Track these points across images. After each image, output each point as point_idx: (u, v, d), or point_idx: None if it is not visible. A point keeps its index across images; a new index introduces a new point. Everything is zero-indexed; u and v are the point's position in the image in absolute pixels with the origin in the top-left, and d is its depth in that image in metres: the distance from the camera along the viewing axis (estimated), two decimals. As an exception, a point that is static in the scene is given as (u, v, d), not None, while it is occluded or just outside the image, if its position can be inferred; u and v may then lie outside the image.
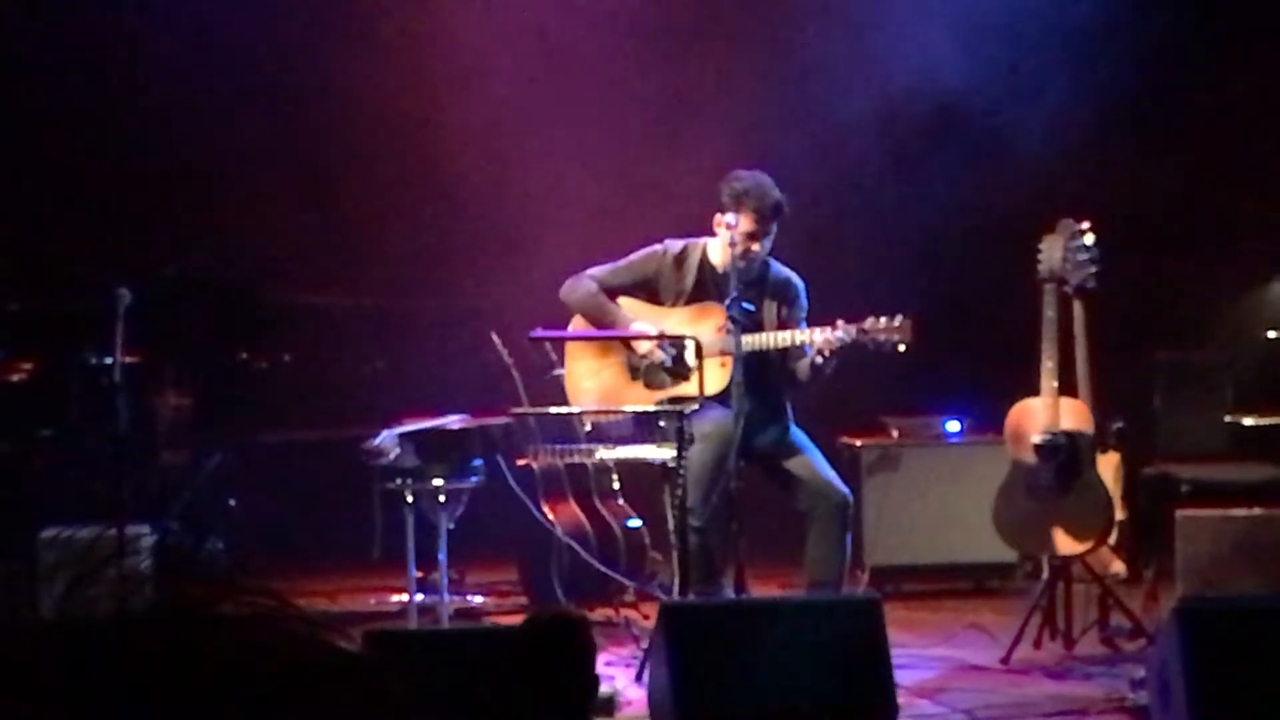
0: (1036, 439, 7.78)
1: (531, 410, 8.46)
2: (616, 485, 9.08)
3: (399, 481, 8.12)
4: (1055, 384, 7.73)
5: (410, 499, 8.09)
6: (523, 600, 9.08)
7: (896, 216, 10.78)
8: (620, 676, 7.23)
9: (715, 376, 7.51)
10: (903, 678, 6.60)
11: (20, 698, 0.99)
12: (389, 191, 10.77)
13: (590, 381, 8.01)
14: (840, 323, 7.46)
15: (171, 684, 0.99)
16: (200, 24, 10.40)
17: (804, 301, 7.82)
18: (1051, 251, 7.82)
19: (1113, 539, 8.01)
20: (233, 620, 1.03)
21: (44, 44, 10.39)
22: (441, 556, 8.10)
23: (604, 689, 6.19)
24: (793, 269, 7.87)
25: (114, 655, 1.00)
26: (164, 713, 0.98)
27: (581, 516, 8.82)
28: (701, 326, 7.64)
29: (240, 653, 1.00)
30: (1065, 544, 7.76)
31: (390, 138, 10.79)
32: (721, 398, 7.47)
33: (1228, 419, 9.35)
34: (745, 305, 7.49)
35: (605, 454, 8.41)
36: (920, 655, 7.79)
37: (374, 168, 10.76)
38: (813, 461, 7.73)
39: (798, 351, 7.59)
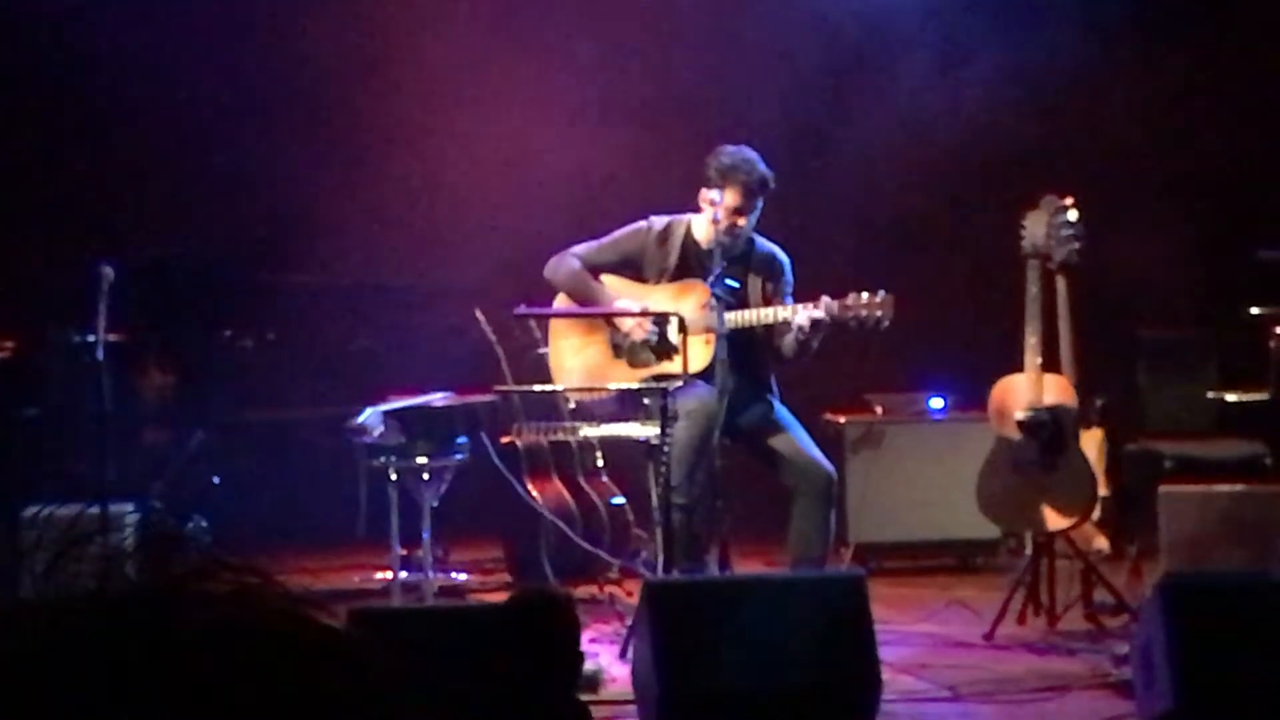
0: (1020, 415, 7.79)
1: (516, 388, 8.46)
2: (600, 463, 9.08)
3: (383, 459, 8.13)
4: (1039, 360, 7.74)
5: (394, 476, 8.09)
6: (507, 578, 9.09)
7: (878, 192, 10.77)
8: (604, 654, 7.24)
9: (699, 354, 7.51)
10: (886, 654, 6.61)
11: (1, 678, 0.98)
12: (373, 168, 10.75)
13: (574, 359, 8.01)
14: (823, 299, 7.47)
15: (152, 662, 0.98)
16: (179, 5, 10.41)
17: (789, 277, 7.81)
18: (1035, 227, 7.82)
19: (1096, 515, 8.02)
20: (214, 598, 1.02)
21: (26, 17, 10.35)
22: (425, 534, 8.12)
23: (588, 666, 6.18)
24: (776, 244, 7.87)
25: (93, 634, 1.00)
26: (144, 691, 0.98)
27: (566, 494, 8.82)
28: (685, 303, 7.63)
29: (221, 630, 1.00)
30: (1049, 520, 7.77)
31: (374, 117, 10.77)
32: (705, 375, 7.47)
33: (1211, 395, 9.36)
34: (730, 282, 7.49)
35: (589, 432, 8.42)
36: (904, 631, 7.81)
37: (358, 146, 10.74)
38: (796, 439, 7.73)
39: (782, 328, 7.59)
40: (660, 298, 7.76)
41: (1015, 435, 7.81)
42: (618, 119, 10.54)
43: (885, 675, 6.29)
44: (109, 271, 7.51)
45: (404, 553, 8.31)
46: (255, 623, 1.01)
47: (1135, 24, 10.31)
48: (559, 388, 8.13)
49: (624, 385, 7.82)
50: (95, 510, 7.18)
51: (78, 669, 0.98)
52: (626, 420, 8.03)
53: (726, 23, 10.91)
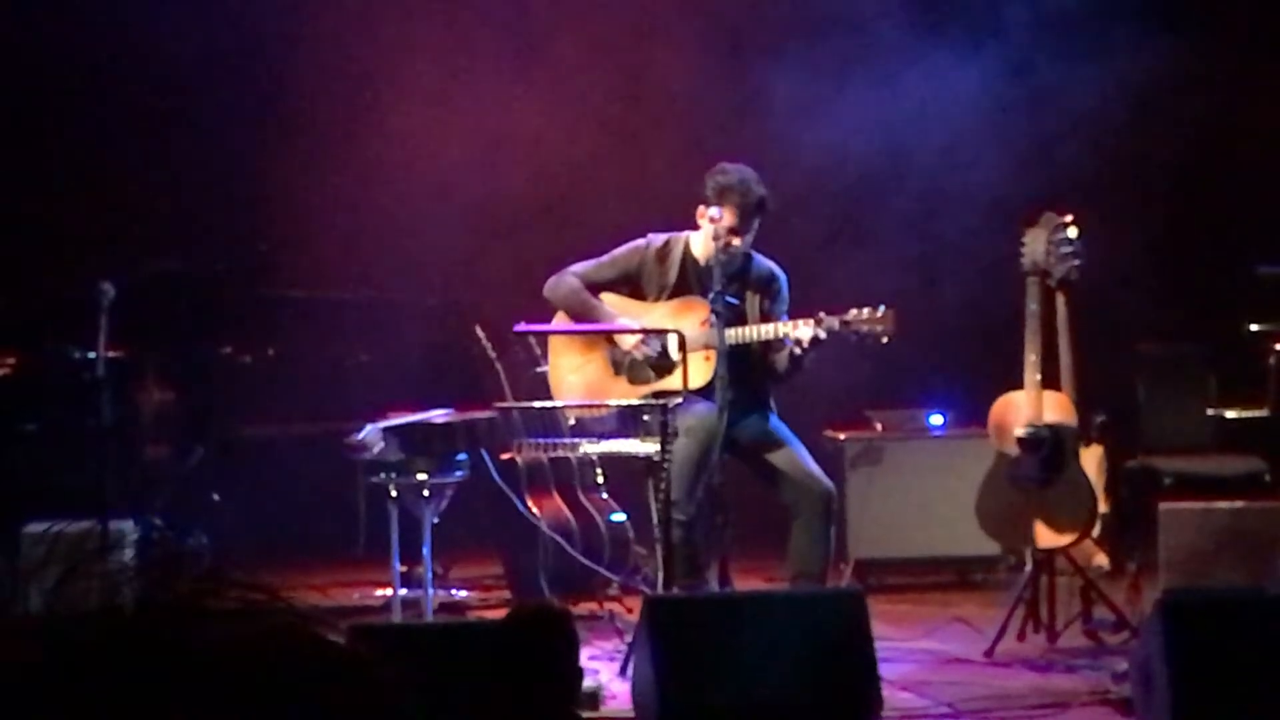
0: (1020, 432, 7.79)
1: (516, 404, 8.46)
2: (600, 479, 9.07)
3: (383, 476, 8.12)
4: (1038, 377, 7.74)
5: (394, 493, 8.09)
6: (506, 594, 9.08)
7: (877, 208, 10.76)
8: (604, 670, 7.23)
9: (699, 370, 7.51)
10: (886, 671, 6.61)
11: (13, 692, 0.99)
12: (373, 184, 10.76)
13: (574, 376, 8.01)
14: (823, 315, 7.47)
15: (164, 677, 0.99)
16: (177, 20, 10.41)
17: (785, 294, 7.82)
18: (1034, 244, 7.83)
19: (1096, 532, 8.02)
20: (224, 614, 1.03)
21: (26, 39, 10.36)
22: (425, 551, 8.11)
23: (588, 683, 6.19)
24: (775, 261, 7.88)
25: (106, 649, 1.00)
26: (157, 705, 0.98)
27: (565, 510, 8.82)
28: (685, 321, 7.64)
29: (232, 646, 1.01)
30: (1048, 537, 7.77)
31: (374, 133, 10.78)
32: (705, 391, 7.47)
33: (1210, 412, 9.36)
34: (729, 299, 7.50)
35: (589, 448, 8.41)
36: (903, 648, 7.80)
37: (358, 162, 10.74)
38: (796, 455, 7.73)
39: (778, 343, 7.60)
40: (660, 315, 7.77)
41: (1015, 452, 7.82)
42: (620, 133, 10.56)
43: (885, 692, 6.29)
44: (109, 288, 7.52)
45: (404, 569, 8.30)
46: (265, 638, 1.01)
47: (1134, 39, 10.30)
48: (559, 404, 8.13)
49: (624, 402, 7.82)
50: (95, 526, 7.19)
51: (93, 683, 0.98)
52: (626, 437, 8.03)
53: (713, 21, 10.92)
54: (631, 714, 6.31)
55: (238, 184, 10.52)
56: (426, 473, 8.13)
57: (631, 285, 7.87)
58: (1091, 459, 7.99)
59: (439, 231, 10.55)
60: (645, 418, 7.76)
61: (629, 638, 7.18)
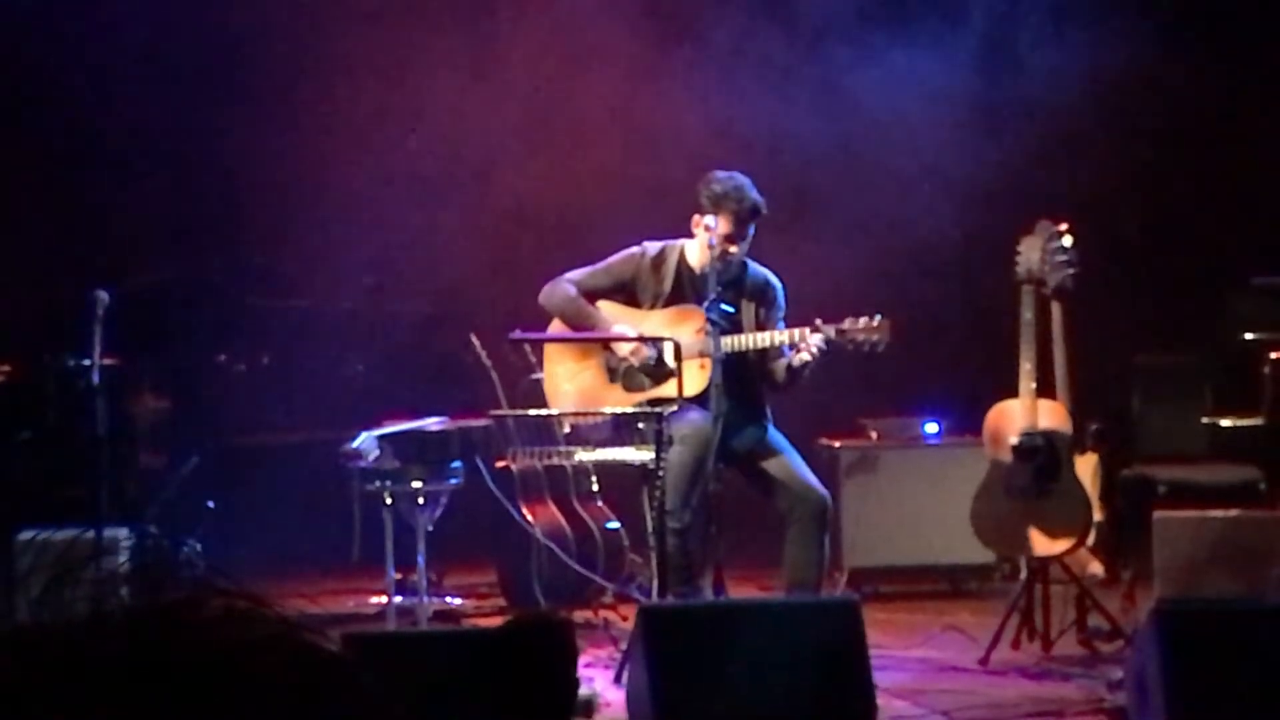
0: (1014, 440, 7.79)
1: (510, 412, 8.46)
2: (595, 487, 9.07)
3: (378, 483, 8.12)
4: (1033, 385, 7.74)
5: (389, 501, 8.09)
6: (502, 602, 9.08)
7: (873, 217, 10.77)
8: (599, 678, 7.23)
9: (694, 378, 7.51)
10: (881, 679, 6.61)
11: None
12: (369, 194, 10.76)
13: (569, 384, 8.02)
14: (819, 323, 7.48)
15: (148, 685, 0.99)
16: (175, 26, 10.42)
17: (782, 302, 7.83)
18: (1029, 253, 7.83)
19: (1090, 540, 8.01)
20: (209, 621, 1.02)
21: (17, 45, 10.36)
22: (420, 558, 8.11)
23: (583, 691, 6.19)
24: (770, 269, 7.88)
25: (89, 657, 1.00)
26: (144, 714, 0.98)
27: (560, 518, 8.82)
28: (681, 329, 7.64)
29: (217, 653, 1.00)
30: (1043, 545, 7.77)
31: (369, 141, 10.78)
32: (700, 400, 7.47)
33: (1205, 420, 9.35)
34: (725, 307, 7.50)
35: (584, 456, 8.41)
36: (898, 657, 7.80)
37: (355, 171, 10.75)
38: (791, 463, 7.73)
39: (775, 352, 7.61)
40: (655, 323, 7.77)
41: (1010, 460, 7.81)
42: (612, 146, 10.57)
43: (880, 700, 6.29)
44: (103, 296, 7.52)
45: (399, 577, 8.30)
46: (252, 646, 1.01)
47: (1131, 49, 10.31)
48: (554, 412, 8.13)
49: (619, 409, 7.82)
50: (90, 534, 7.18)
51: (74, 693, 0.98)
52: (621, 445, 8.03)
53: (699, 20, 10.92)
54: (626, 722, 6.31)
55: (233, 192, 10.51)
56: (421, 480, 8.14)
57: (626, 293, 7.88)
58: (1086, 467, 7.98)
59: (435, 239, 10.55)
60: (640, 426, 7.76)
61: (624, 646, 7.18)
